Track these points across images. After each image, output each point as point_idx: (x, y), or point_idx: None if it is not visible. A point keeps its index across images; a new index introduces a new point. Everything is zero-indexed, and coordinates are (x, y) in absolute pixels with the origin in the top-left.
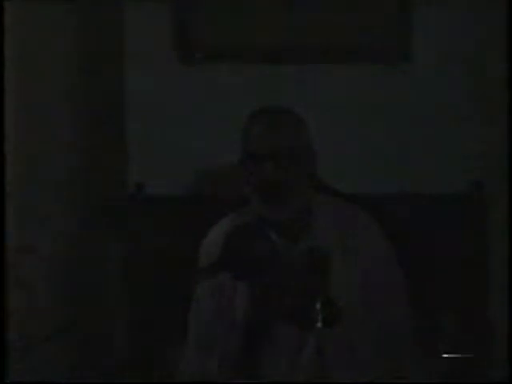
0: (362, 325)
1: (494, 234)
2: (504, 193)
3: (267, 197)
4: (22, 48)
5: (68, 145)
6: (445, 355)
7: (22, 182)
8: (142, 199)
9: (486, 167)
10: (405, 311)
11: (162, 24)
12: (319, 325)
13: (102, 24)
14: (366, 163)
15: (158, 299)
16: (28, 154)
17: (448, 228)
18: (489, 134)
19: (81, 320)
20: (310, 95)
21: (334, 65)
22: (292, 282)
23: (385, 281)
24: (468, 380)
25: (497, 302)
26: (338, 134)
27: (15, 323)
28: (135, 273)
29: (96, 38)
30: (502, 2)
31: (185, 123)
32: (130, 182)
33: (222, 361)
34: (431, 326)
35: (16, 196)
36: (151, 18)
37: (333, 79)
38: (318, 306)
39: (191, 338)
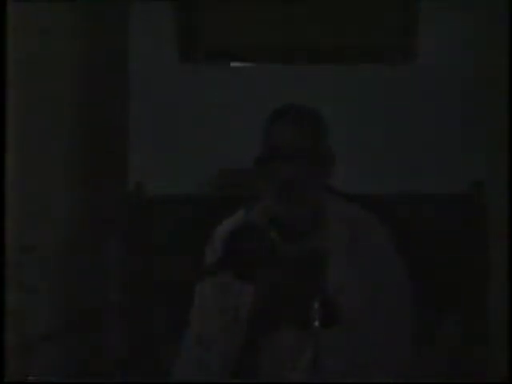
0: (362, 325)
1: (494, 234)
2: (504, 193)
3: (280, 196)
4: (23, 48)
5: (68, 145)
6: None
7: (22, 181)
8: (142, 199)
9: (486, 167)
10: (406, 311)
11: (163, 24)
12: (317, 324)
13: (104, 22)
14: (366, 163)
15: (157, 299)
16: (28, 154)
17: (448, 228)
18: (489, 134)
19: (80, 320)
20: (310, 95)
21: (335, 65)
22: (292, 282)
23: (386, 281)
24: (468, 380)
25: (497, 301)
26: (337, 134)
27: (15, 323)
28: (135, 272)
29: (98, 38)
30: (503, 1)
31: (185, 123)
32: (130, 182)
33: (221, 360)
34: (431, 326)
35: (16, 196)
36: (152, 17)
37: (333, 79)
38: (317, 305)
39: (192, 335)
